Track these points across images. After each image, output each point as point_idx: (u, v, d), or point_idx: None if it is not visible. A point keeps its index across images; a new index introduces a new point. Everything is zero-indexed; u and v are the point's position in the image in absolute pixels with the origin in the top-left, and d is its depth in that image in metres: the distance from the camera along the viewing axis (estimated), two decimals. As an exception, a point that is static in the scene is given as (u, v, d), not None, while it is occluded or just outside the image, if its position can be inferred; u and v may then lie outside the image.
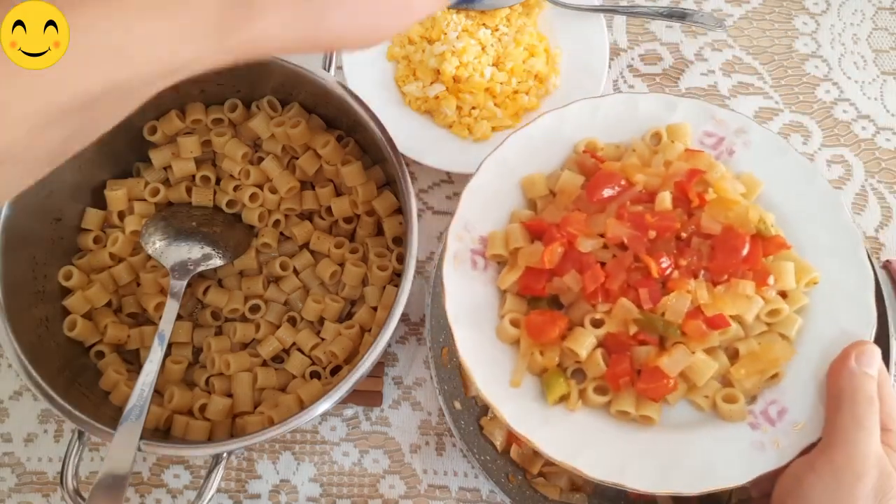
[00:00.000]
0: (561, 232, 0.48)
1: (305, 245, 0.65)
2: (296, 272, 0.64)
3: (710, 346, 0.46)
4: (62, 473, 0.52)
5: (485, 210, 0.52)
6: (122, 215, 0.64)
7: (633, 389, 0.47)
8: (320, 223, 0.65)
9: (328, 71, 0.61)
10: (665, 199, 0.48)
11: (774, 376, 0.47)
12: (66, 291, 0.62)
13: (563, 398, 0.48)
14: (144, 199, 0.64)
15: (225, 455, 0.53)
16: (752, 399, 0.47)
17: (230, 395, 0.60)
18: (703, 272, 0.47)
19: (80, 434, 0.53)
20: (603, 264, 0.47)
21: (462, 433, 0.56)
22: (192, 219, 0.63)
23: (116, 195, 0.63)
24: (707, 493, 0.45)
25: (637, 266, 0.47)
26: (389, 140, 0.58)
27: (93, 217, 0.64)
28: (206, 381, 0.61)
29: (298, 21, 0.34)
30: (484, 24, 0.70)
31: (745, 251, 0.47)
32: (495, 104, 0.68)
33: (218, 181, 0.66)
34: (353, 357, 0.60)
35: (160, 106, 0.64)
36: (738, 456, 0.45)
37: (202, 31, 0.31)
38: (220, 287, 0.64)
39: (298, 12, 0.34)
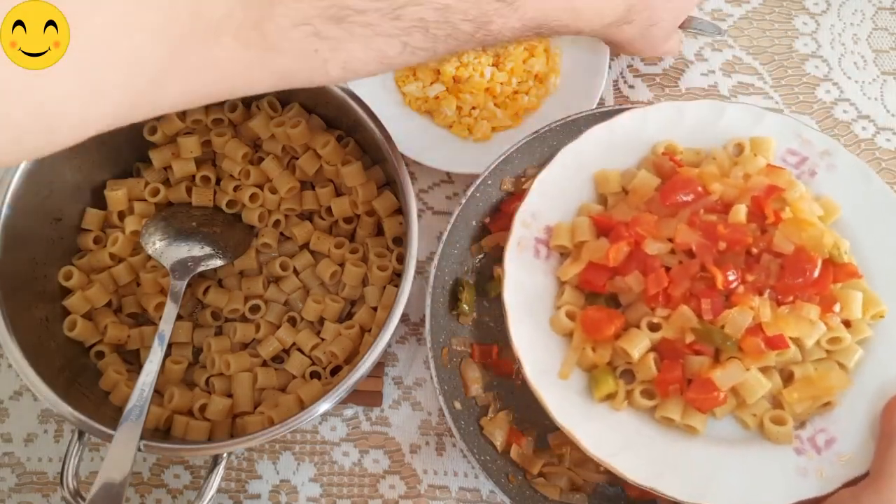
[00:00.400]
0: (629, 231, 0.48)
1: (305, 245, 0.65)
2: (296, 272, 0.64)
3: (766, 365, 0.46)
4: (62, 473, 0.52)
5: (554, 200, 0.52)
6: (122, 215, 0.64)
7: (682, 398, 0.46)
8: (320, 223, 0.65)
9: (328, 71, 0.61)
10: (740, 211, 0.48)
11: (827, 404, 0.46)
12: (66, 291, 0.62)
13: (609, 396, 0.47)
14: (144, 199, 0.64)
15: (225, 455, 0.53)
16: (801, 424, 0.47)
17: (230, 396, 0.60)
18: (768, 290, 0.46)
19: (80, 434, 0.53)
20: (667, 269, 0.47)
21: (462, 433, 0.56)
22: (192, 219, 0.63)
23: (116, 195, 0.63)
24: None
25: (702, 275, 0.47)
26: (389, 140, 0.58)
27: (93, 217, 0.64)
28: (206, 382, 0.61)
29: None
30: (484, 25, 0.70)
31: (814, 275, 0.46)
32: (495, 104, 0.68)
33: (218, 181, 0.66)
34: (353, 357, 0.60)
35: (160, 106, 0.64)
36: (779, 479, 0.45)
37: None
38: (220, 287, 0.64)
39: None
